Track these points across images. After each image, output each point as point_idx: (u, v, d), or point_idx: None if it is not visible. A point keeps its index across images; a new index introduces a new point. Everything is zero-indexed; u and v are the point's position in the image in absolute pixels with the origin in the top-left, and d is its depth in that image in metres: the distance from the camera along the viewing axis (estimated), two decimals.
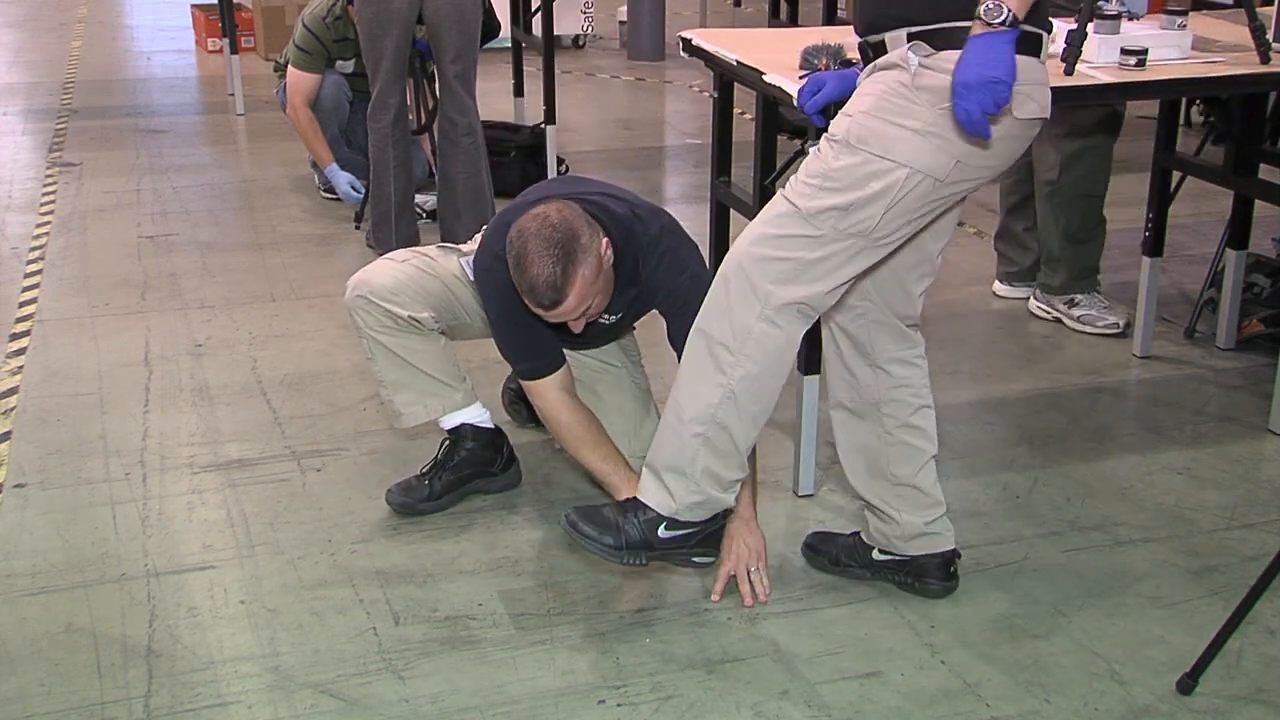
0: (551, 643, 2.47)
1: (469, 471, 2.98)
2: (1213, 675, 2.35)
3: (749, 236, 2.28)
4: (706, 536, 2.48)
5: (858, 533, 2.69)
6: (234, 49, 6.89)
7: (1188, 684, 2.33)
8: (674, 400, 2.37)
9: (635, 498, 2.44)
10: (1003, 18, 2.02)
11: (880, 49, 2.23)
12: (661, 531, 2.40)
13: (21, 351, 3.80)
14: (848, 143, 2.19)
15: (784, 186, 2.29)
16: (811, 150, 2.29)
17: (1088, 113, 3.81)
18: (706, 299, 2.32)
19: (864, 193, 2.18)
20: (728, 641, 2.48)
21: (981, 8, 2.03)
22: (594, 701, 2.31)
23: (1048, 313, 4.07)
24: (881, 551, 2.63)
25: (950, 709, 2.30)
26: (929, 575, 2.60)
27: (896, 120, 2.17)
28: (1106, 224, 4.03)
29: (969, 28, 2.06)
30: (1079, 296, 4.00)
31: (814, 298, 2.26)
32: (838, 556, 2.69)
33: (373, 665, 2.41)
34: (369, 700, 2.31)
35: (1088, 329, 3.96)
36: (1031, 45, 2.15)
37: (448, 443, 2.99)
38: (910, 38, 2.17)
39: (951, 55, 2.10)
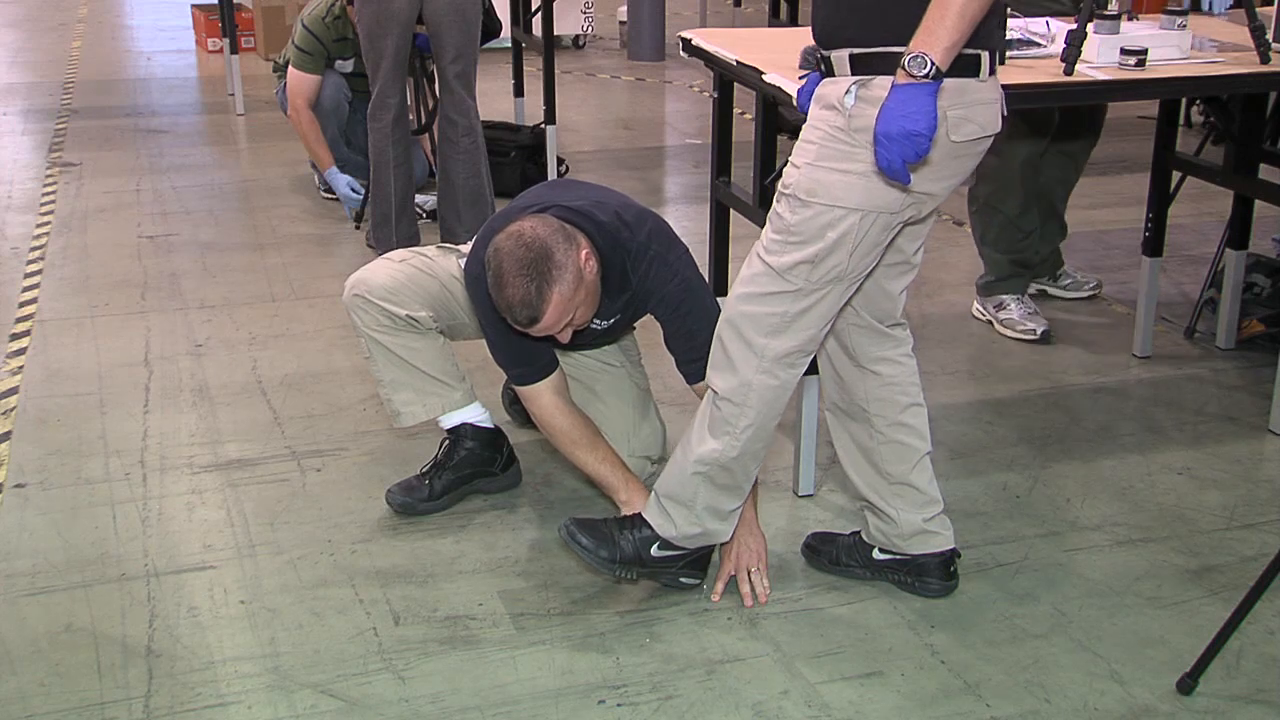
0: (551, 643, 2.47)
1: (469, 471, 2.98)
2: (1213, 675, 2.35)
3: (734, 296, 2.36)
4: (696, 559, 2.58)
5: (858, 532, 2.69)
6: (234, 49, 6.90)
7: (1188, 684, 2.33)
8: (687, 439, 2.48)
9: (639, 514, 2.55)
10: (926, 71, 2.04)
11: (829, 65, 2.25)
12: (654, 550, 2.53)
13: (21, 351, 3.80)
14: (798, 197, 2.25)
15: (757, 243, 2.35)
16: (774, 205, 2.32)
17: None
18: (710, 356, 2.43)
19: (824, 243, 2.24)
20: (728, 641, 2.48)
21: (906, 58, 2.05)
22: (594, 701, 2.31)
23: (982, 315, 4.08)
24: (881, 551, 2.63)
25: (950, 709, 2.30)
26: (929, 575, 2.60)
27: (840, 167, 2.21)
28: (1033, 236, 4.01)
29: None
30: (1006, 299, 4.01)
31: (807, 344, 2.35)
32: (838, 556, 2.69)
33: (373, 665, 2.41)
34: (369, 700, 2.31)
35: (1009, 333, 3.97)
36: (969, 67, 2.17)
37: (447, 442, 2.99)
38: (852, 59, 2.19)
39: (889, 84, 2.12)
